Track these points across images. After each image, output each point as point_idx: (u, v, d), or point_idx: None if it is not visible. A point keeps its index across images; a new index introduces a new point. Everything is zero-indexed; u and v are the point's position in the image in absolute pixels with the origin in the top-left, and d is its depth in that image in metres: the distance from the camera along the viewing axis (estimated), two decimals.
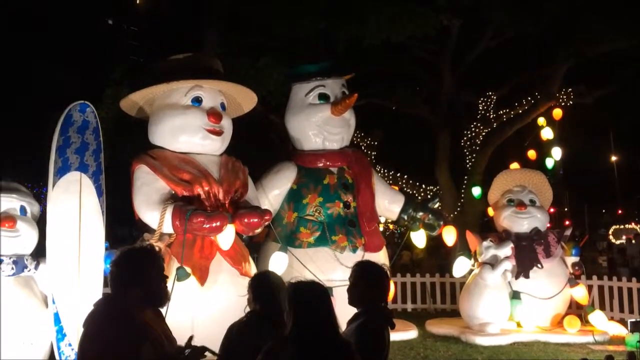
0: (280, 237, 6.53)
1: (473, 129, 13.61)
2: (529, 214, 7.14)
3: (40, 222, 4.66)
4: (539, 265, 6.94)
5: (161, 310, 2.61)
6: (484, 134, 13.33)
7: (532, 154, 10.57)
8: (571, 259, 7.21)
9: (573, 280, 7.10)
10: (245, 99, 6.38)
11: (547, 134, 10.50)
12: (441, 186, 12.56)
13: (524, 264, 6.89)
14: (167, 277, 2.66)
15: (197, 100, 5.85)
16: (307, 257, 6.48)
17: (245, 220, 5.46)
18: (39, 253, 4.57)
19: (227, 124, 6.02)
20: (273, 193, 6.85)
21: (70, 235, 4.51)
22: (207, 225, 5.20)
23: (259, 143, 10.17)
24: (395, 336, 6.73)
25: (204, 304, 5.32)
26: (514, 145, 12.17)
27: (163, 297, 2.57)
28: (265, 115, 9.32)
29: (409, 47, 11.45)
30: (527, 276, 6.87)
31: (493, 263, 6.80)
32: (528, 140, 11.77)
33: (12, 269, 4.26)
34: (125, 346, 2.27)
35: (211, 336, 5.38)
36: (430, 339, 6.88)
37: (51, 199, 4.48)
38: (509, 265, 6.77)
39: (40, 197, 4.95)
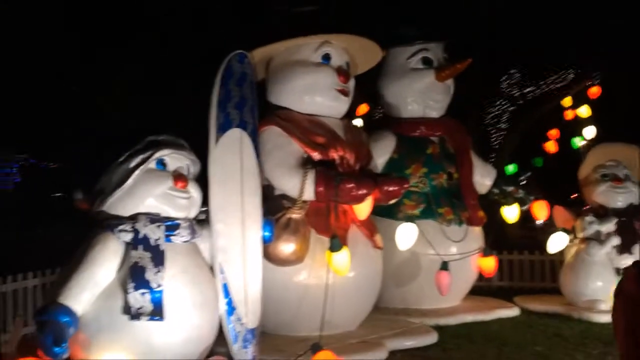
0: (382, 208, 6.16)
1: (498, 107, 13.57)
2: (626, 188, 7.00)
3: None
4: None
5: None
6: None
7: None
8: None
9: None
10: (363, 59, 5.92)
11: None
12: None
13: (627, 239, 6.77)
14: None
15: (327, 58, 5.39)
16: None
17: (385, 188, 5.10)
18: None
19: (352, 85, 5.58)
20: (372, 164, 6.45)
21: (234, 199, 4.05)
22: (356, 192, 4.82)
23: None
24: (497, 314, 6.54)
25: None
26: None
27: None
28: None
29: None
30: (630, 252, 6.75)
31: (596, 239, 6.67)
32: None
33: (189, 234, 3.75)
34: None
35: (346, 311, 5.09)
36: (534, 316, 6.66)
37: (213, 158, 3.99)
38: (617, 240, 6.64)
39: None
